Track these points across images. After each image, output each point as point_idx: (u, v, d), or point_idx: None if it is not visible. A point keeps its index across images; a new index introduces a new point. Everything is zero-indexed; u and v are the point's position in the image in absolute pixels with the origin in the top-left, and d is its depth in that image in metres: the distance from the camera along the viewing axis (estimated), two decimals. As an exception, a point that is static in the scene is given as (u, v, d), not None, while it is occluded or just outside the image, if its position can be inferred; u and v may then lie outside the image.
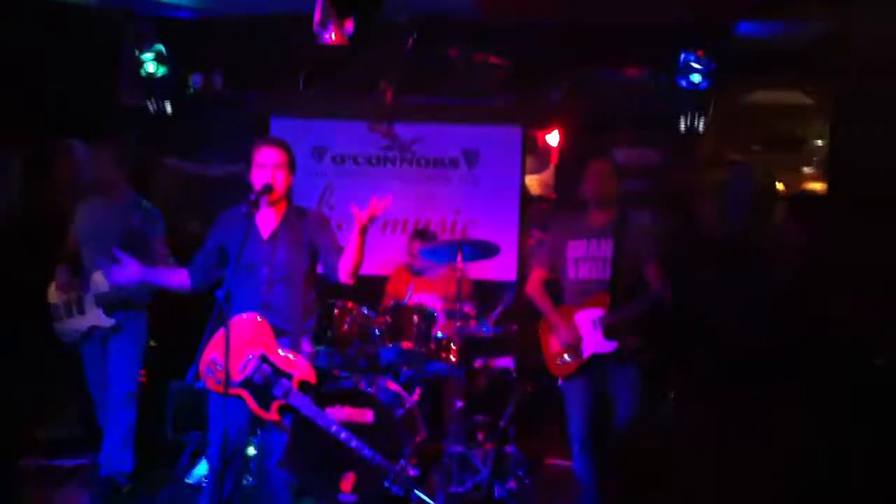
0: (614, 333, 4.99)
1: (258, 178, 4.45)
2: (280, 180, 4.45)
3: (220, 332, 4.20)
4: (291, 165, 4.53)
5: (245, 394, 4.36)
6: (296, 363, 4.38)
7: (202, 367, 4.36)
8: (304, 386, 4.36)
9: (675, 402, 5.62)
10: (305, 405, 4.33)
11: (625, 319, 4.95)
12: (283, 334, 4.46)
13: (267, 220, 4.52)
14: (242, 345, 4.37)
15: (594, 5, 6.04)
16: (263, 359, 4.37)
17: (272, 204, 4.49)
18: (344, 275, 4.45)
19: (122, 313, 5.56)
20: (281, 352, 4.40)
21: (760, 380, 1.80)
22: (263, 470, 4.52)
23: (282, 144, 4.55)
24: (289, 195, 4.56)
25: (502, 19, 6.54)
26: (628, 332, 4.98)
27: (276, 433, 4.43)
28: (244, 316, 4.41)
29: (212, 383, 4.35)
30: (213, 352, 4.32)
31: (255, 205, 4.35)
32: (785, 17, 6.07)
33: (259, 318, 4.41)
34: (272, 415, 4.36)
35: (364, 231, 4.31)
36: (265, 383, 4.35)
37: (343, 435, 4.38)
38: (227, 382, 4.17)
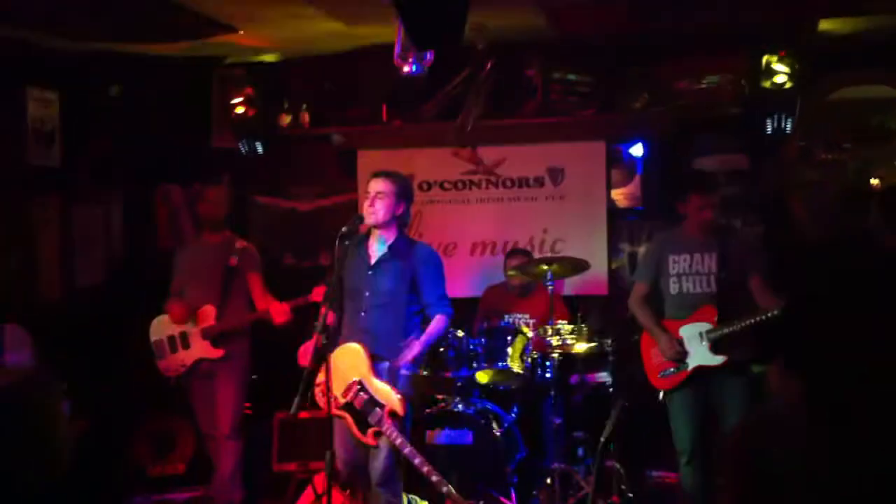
0: (723, 348, 4.95)
1: (363, 208, 4.71)
2: (381, 208, 4.61)
3: (331, 357, 4.43)
4: (400, 195, 4.67)
5: (347, 416, 4.57)
6: (387, 395, 4.52)
7: (316, 389, 4.60)
8: (393, 415, 4.50)
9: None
10: (394, 435, 4.46)
11: (734, 334, 4.91)
12: (381, 360, 4.60)
13: (376, 248, 4.71)
14: (346, 371, 4.57)
15: (670, 13, 6.01)
16: (361, 386, 4.54)
17: (376, 230, 4.67)
18: None
19: (229, 343, 5.71)
20: (376, 381, 4.57)
21: (872, 388, 1.75)
22: (371, 491, 4.72)
23: (388, 175, 4.70)
24: (400, 224, 4.73)
25: (578, 34, 6.56)
26: (736, 345, 4.93)
27: (375, 455, 4.60)
28: (349, 344, 4.61)
29: (323, 404, 4.53)
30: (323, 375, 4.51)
31: (348, 235, 4.52)
32: (866, 12, 5.93)
33: (359, 347, 4.58)
34: (368, 439, 4.55)
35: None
36: (363, 409, 4.53)
37: (425, 469, 4.46)
38: (329, 405, 4.34)
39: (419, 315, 4.77)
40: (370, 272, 4.68)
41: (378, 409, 4.50)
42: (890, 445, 1.73)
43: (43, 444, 2.27)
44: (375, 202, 4.61)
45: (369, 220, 4.64)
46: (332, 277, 4.67)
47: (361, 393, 4.54)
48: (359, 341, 4.62)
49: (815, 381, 1.82)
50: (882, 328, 1.79)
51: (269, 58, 7.05)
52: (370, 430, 4.51)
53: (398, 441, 4.45)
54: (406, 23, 4.35)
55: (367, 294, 4.67)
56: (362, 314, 4.67)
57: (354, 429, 4.56)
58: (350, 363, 4.58)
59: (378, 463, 4.60)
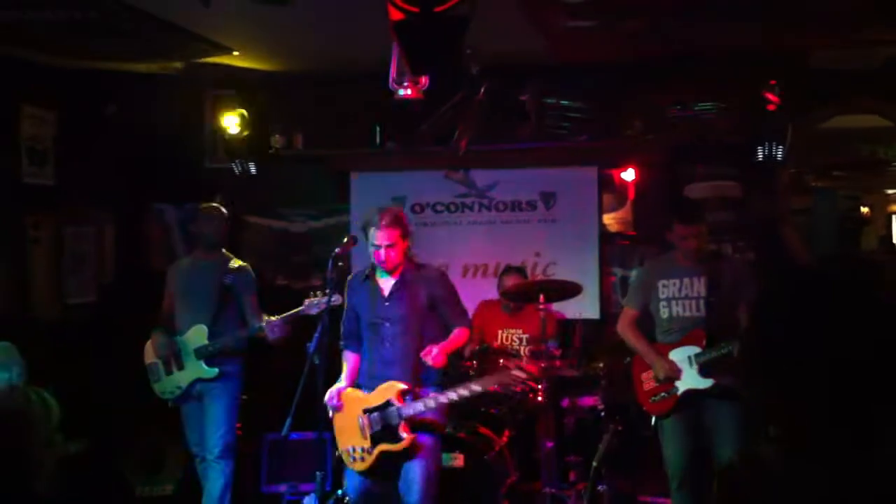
0: (711, 371, 4.96)
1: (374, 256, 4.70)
2: (394, 256, 4.67)
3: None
4: (405, 235, 4.73)
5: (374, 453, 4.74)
6: (383, 392, 4.68)
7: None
8: (404, 394, 4.68)
9: (777, 436, 5.51)
10: (417, 404, 4.62)
11: (722, 357, 4.92)
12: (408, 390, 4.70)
13: (386, 279, 4.78)
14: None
15: (664, 41, 6.07)
16: (365, 415, 4.74)
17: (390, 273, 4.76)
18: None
19: (223, 362, 5.66)
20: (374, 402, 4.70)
21: (862, 416, 1.76)
22: None
23: (390, 224, 4.67)
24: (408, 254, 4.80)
25: (574, 61, 6.61)
26: (725, 369, 4.94)
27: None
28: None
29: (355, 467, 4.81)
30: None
31: (341, 257, 4.73)
32: (857, 43, 6.00)
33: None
34: (405, 443, 4.67)
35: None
36: (384, 424, 4.69)
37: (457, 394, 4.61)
38: (334, 437, 4.54)
39: (438, 338, 4.76)
40: (387, 303, 4.74)
41: (392, 409, 4.58)
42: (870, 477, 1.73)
43: (20, 461, 2.26)
44: (388, 253, 4.66)
45: (385, 267, 4.72)
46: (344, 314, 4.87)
47: (367, 418, 4.63)
48: (384, 373, 4.69)
49: (795, 407, 1.83)
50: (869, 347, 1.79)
51: (263, 79, 7.07)
52: (406, 439, 4.55)
53: (431, 401, 4.55)
54: (404, 48, 4.38)
55: (387, 325, 4.73)
56: (387, 345, 4.73)
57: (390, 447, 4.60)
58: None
59: (412, 481, 4.60)
